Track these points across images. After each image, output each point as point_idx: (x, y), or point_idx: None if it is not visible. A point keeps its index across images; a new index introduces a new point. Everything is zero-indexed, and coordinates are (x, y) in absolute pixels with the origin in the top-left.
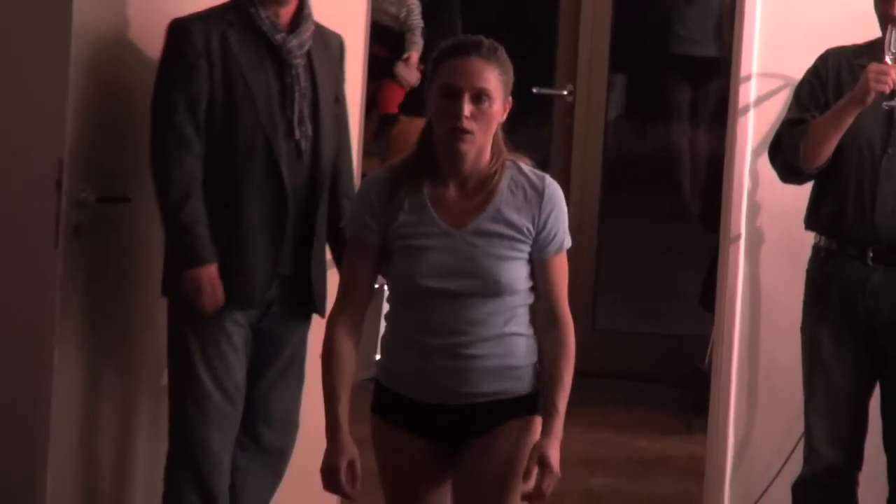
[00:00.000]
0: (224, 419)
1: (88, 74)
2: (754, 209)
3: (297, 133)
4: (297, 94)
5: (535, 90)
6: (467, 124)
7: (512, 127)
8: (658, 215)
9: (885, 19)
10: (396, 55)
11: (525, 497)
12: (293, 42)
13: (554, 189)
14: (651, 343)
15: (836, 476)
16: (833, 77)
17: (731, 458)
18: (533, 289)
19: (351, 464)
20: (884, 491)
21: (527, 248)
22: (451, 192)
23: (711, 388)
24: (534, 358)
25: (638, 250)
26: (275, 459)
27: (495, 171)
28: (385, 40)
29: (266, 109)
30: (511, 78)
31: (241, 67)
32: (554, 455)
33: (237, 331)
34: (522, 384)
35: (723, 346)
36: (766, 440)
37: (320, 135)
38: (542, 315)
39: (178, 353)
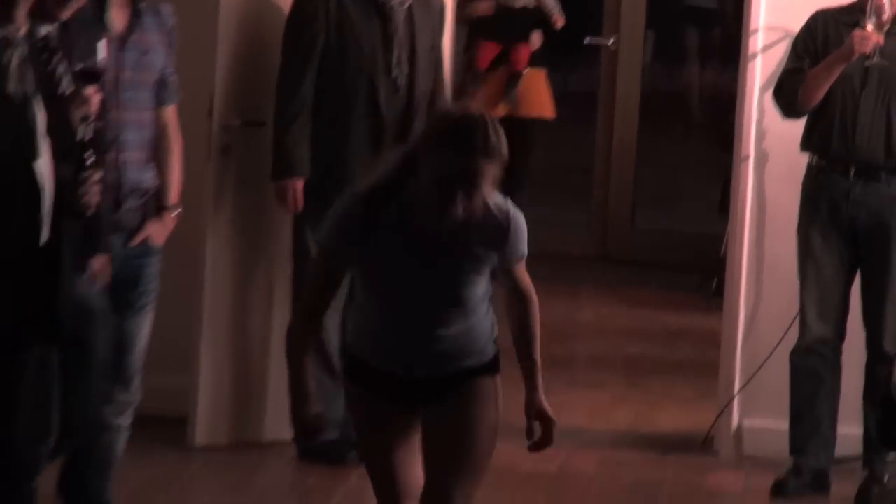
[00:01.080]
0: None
1: (234, 24)
2: (761, 134)
3: (394, 72)
4: (395, 42)
5: (586, 41)
6: (454, 214)
7: (569, 70)
8: (685, 137)
9: None
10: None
11: (532, 447)
12: (394, 0)
13: (516, 222)
14: (679, 238)
15: (824, 345)
16: (822, 32)
17: (741, 331)
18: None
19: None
20: (862, 356)
21: (489, 268)
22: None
23: (726, 275)
24: (495, 330)
25: (669, 165)
26: None
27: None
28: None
29: (370, 53)
30: (506, 154)
31: (351, 19)
32: (547, 406)
33: None
34: (484, 355)
35: (735, 242)
36: (770, 317)
37: (416, 74)
38: (509, 292)
39: (299, 240)
